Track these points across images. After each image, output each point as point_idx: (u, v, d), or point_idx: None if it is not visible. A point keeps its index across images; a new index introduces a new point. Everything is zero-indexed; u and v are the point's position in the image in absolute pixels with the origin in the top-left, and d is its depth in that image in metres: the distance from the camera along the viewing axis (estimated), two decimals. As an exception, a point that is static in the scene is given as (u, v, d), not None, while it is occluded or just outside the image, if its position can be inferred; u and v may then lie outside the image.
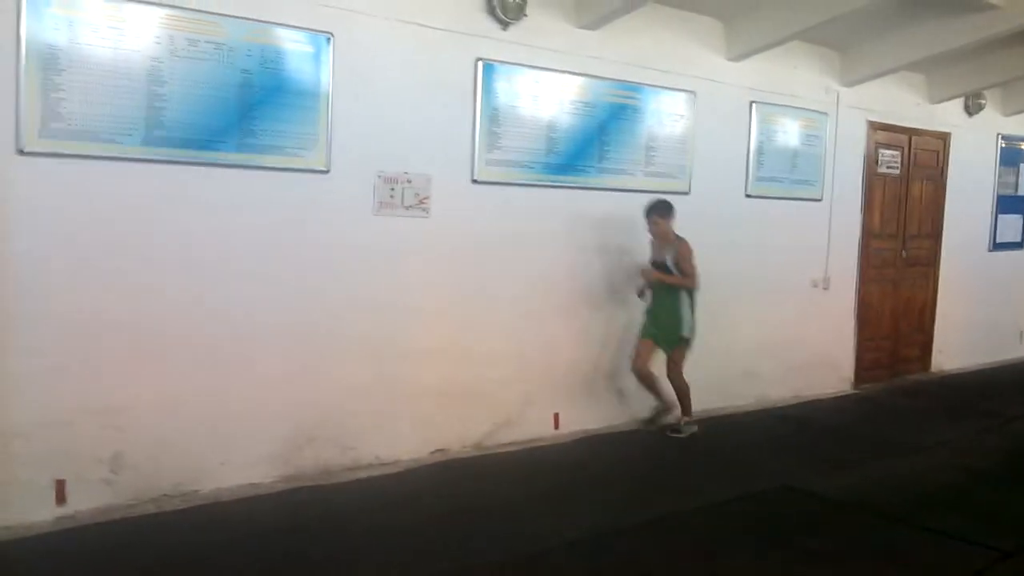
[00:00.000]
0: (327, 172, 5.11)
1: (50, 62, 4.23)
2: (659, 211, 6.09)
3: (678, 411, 6.40)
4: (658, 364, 6.32)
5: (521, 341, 6.04)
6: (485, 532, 4.44)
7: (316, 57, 5.02)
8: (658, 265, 6.15)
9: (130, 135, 4.47)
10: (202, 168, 4.70)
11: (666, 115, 6.69)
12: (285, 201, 4.99)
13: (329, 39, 5.04)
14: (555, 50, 5.98)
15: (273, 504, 4.73)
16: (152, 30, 4.50)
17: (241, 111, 4.80)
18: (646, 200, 6.49)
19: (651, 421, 6.47)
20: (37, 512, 4.30)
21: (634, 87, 6.46)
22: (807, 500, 5.09)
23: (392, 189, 5.39)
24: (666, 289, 6.15)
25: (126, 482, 4.56)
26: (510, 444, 5.96)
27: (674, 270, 6.06)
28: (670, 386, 6.36)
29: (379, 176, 5.32)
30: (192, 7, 4.59)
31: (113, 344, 4.51)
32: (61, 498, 4.38)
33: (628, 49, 6.36)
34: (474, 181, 5.73)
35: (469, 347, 5.78)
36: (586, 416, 6.38)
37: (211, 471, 4.80)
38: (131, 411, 4.57)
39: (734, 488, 5.21)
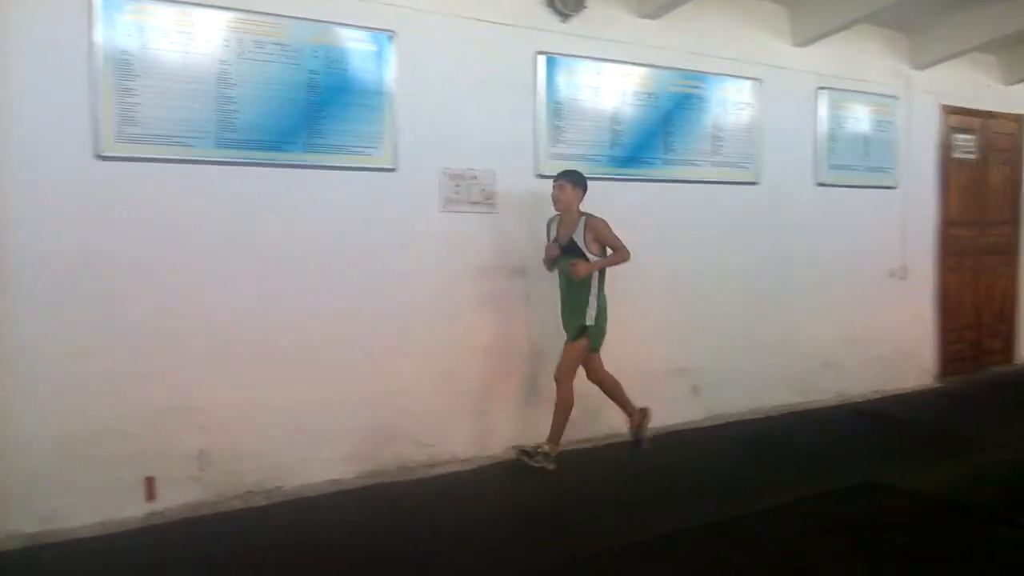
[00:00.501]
0: (394, 170, 5.17)
1: (123, 68, 4.36)
2: (570, 177, 5.33)
3: (639, 416, 5.66)
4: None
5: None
6: (561, 529, 4.40)
7: (379, 56, 5.10)
8: (568, 248, 5.30)
9: (202, 138, 4.59)
10: (272, 169, 4.79)
11: (732, 103, 6.61)
12: (353, 200, 5.05)
13: (391, 37, 5.11)
14: (616, 41, 5.96)
15: (354, 500, 4.77)
16: (220, 33, 4.61)
17: (308, 111, 4.88)
18: (713, 191, 6.52)
19: (636, 442, 5.69)
20: (128, 508, 4.41)
21: (698, 76, 6.40)
22: (893, 497, 4.90)
23: (458, 185, 5.43)
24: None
25: (212, 479, 4.64)
26: (586, 441, 5.89)
27: (585, 250, 5.25)
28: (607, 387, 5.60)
29: (444, 172, 5.37)
30: (258, 10, 4.70)
31: (196, 343, 4.61)
32: (151, 495, 4.48)
33: (691, 37, 6.31)
34: (539, 175, 5.72)
35: (542, 342, 5.73)
36: (661, 412, 6.21)
37: (294, 468, 4.86)
38: (215, 409, 4.66)
39: (816, 485, 5.04)
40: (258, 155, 4.75)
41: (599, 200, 5.91)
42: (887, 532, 4.38)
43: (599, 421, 6.00)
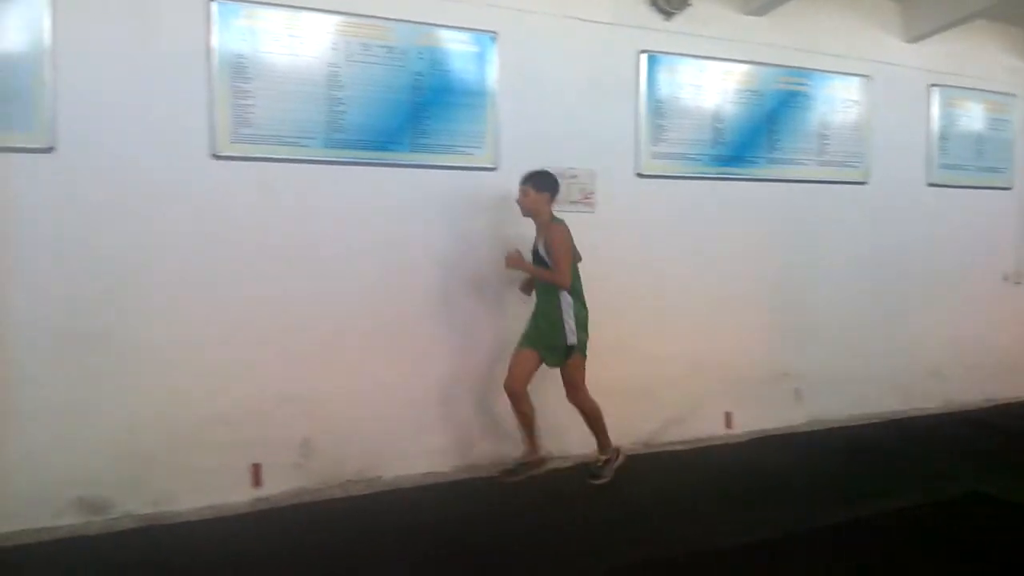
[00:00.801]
0: (495, 169, 5.15)
1: (238, 71, 4.46)
2: (534, 180, 4.77)
3: (543, 464, 5.11)
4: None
5: (690, 339, 5.84)
6: (657, 530, 4.27)
7: (482, 56, 5.08)
8: (536, 255, 4.84)
9: (313, 138, 4.65)
10: (379, 168, 4.83)
11: (839, 101, 6.35)
12: (456, 199, 5.04)
13: (494, 38, 5.09)
14: (721, 38, 5.81)
15: (450, 493, 4.77)
16: (329, 37, 4.67)
17: (413, 112, 4.90)
18: (819, 190, 6.31)
19: (513, 471, 5.00)
20: (236, 494, 4.52)
21: (805, 73, 6.17)
22: (1002, 508, 4.61)
23: (557, 184, 5.41)
24: (544, 286, 4.84)
25: (315, 467, 4.72)
26: (680, 443, 5.77)
27: (546, 258, 4.75)
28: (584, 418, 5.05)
29: (545, 172, 5.36)
30: (366, 13, 4.74)
31: (304, 335, 4.69)
32: (257, 481, 4.58)
33: (798, 34, 6.10)
34: (639, 175, 5.62)
35: (637, 344, 5.63)
36: (760, 416, 6.10)
37: (393, 459, 4.90)
38: (319, 401, 4.73)
39: (921, 494, 4.78)
40: (365, 155, 4.80)
41: (700, 199, 5.84)
42: (993, 544, 4.13)
43: (692, 424, 5.90)
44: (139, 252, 4.33)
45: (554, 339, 4.79)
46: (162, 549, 3.98)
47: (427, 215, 5.00)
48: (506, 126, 5.17)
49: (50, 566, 3.79)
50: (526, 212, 4.86)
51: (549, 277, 4.73)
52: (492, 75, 5.12)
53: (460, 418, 5.13)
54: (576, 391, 4.92)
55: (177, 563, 3.82)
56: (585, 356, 4.89)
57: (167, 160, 4.36)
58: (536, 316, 4.92)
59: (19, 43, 4.05)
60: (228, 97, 4.45)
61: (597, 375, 5.44)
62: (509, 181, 5.16)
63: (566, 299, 4.77)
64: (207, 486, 4.46)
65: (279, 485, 4.63)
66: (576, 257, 4.87)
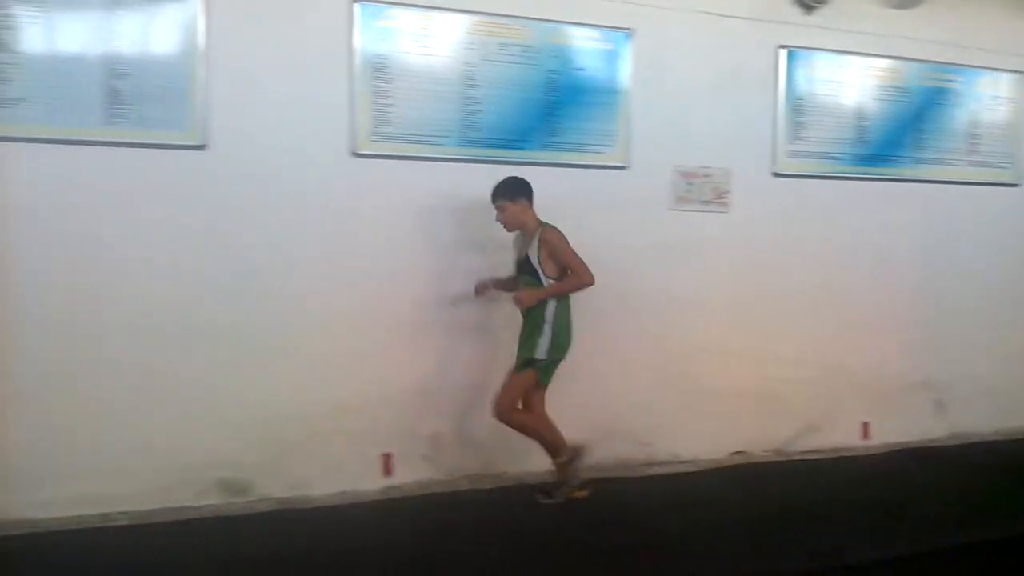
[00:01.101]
0: (626, 168, 5.01)
1: (378, 71, 4.48)
2: (505, 192, 4.37)
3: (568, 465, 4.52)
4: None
5: (826, 343, 5.54)
6: (788, 539, 4.02)
7: (616, 54, 4.95)
8: (522, 266, 4.44)
9: (448, 136, 4.64)
10: (511, 167, 4.69)
11: (990, 98, 5.91)
12: (587, 198, 4.91)
13: (628, 35, 4.96)
14: (864, 33, 5.48)
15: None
16: (464, 37, 4.64)
17: (546, 111, 4.82)
18: (968, 192, 5.90)
19: (547, 493, 4.51)
20: (367, 481, 4.55)
21: (953, 69, 5.76)
22: None
23: (690, 184, 5.19)
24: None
25: (443, 459, 4.72)
26: (813, 452, 5.47)
27: (539, 268, 4.34)
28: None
29: (676, 171, 5.16)
30: (501, 12, 4.69)
31: (434, 331, 4.70)
32: (387, 470, 4.61)
33: (946, 28, 5.70)
34: (775, 174, 5.37)
35: (769, 348, 5.37)
36: (900, 427, 5.71)
37: (517, 456, 4.79)
38: (449, 395, 4.73)
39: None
40: (498, 153, 4.74)
41: (839, 200, 5.55)
42: None
43: (827, 434, 5.61)
44: (282, 246, 4.41)
45: (525, 348, 4.39)
46: (297, 533, 4.03)
47: (556, 214, 4.85)
48: (638, 124, 5.03)
49: (192, 545, 3.88)
50: (511, 228, 4.46)
51: (571, 287, 4.35)
52: (625, 72, 4.99)
53: (583, 420, 4.88)
54: (499, 408, 4.35)
55: (312, 547, 3.84)
56: (545, 385, 4.45)
57: (310, 157, 4.43)
58: (522, 326, 4.47)
59: (175, 44, 4.18)
60: (369, 96, 4.49)
61: (728, 377, 5.29)
62: (640, 180, 5.06)
63: (553, 312, 4.34)
64: (340, 473, 4.51)
65: (409, 475, 4.64)
66: None
